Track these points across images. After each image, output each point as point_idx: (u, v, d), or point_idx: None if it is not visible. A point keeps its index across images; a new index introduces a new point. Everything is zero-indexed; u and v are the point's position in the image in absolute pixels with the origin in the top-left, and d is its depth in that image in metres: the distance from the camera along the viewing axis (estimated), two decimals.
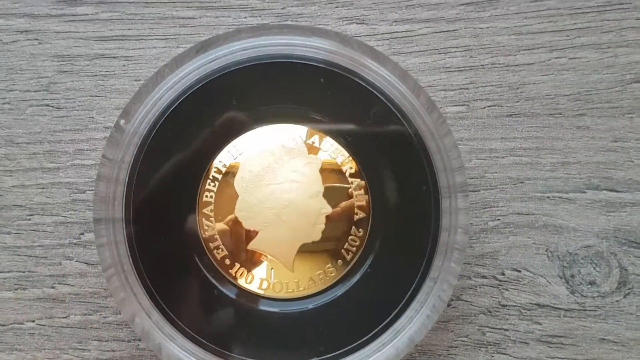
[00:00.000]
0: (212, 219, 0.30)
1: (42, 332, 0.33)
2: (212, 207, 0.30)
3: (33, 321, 0.33)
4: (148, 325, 0.29)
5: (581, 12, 0.34)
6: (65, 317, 0.33)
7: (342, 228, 0.30)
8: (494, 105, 0.34)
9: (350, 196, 0.30)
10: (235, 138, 0.30)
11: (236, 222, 0.30)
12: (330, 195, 0.30)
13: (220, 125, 0.30)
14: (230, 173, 0.30)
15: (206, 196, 0.30)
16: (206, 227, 0.30)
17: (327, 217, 0.30)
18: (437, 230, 0.29)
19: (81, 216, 0.33)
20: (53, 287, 0.33)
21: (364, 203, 0.30)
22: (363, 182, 0.30)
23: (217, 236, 0.30)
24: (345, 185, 0.30)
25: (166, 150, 0.30)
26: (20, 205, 0.33)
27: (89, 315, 0.33)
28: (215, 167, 0.30)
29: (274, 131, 0.30)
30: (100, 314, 0.33)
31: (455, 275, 0.29)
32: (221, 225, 0.30)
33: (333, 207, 0.30)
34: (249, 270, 0.30)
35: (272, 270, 0.30)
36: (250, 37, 0.30)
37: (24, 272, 0.33)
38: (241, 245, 0.30)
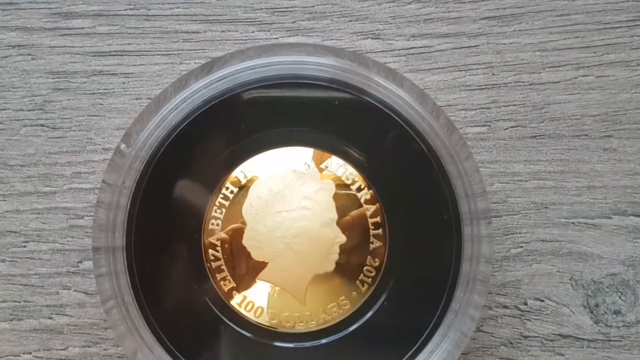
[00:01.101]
0: (218, 248, 0.28)
1: None
2: (218, 235, 0.29)
3: (30, 353, 0.32)
4: None
5: (610, 28, 0.33)
6: (64, 349, 0.32)
7: (357, 258, 0.29)
8: (517, 126, 0.33)
9: (365, 224, 0.29)
10: (244, 162, 0.29)
11: (244, 252, 0.28)
12: (345, 223, 0.29)
13: (227, 149, 0.29)
14: (238, 200, 0.29)
15: (212, 224, 0.29)
16: (212, 257, 0.28)
17: (341, 246, 0.28)
18: (459, 260, 0.28)
19: (79, 243, 0.32)
20: (50, 318, 0.32)
21: (379, 231, 0.29)
22: (379, 209, 0.29)
23: (224, 267, 0.29)
24: (361, 213, 0.29)
25: (170, 176, 0.29)
26: (15, 232, 0.32)
27: (89, 347, 0.32)
28: (222, 194, 0.29)
29: (285, 155, 0.29)
30: (100, 346, 0.32)
31: (478, 307, 0.28)
32: (228, 256, 0.28)
33: (347, 235, 0.28)
34: (257, 303, 0.28)
35: (283, 303, 0.29)
36: (259, 56, 0.29)
37: (19, 302, 0.32)
38: (250, 276, 0.29)
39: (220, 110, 0.29)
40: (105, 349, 0.31)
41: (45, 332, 0.32)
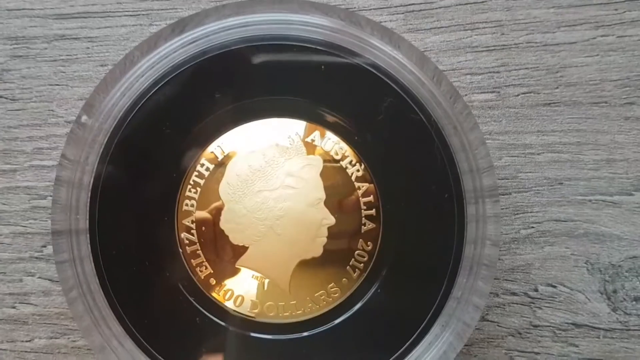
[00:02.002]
0: (193, 231, 0.27)
1: (4, 357, 0.30)
2: (193, 217, 0.27)
3: None
4: (120, 356, 0.26)
5: None
6: (29, 341, 0.30)
7: (348, 241, 0.27)
8: (529, 93, 0.31)
9: (357, 204, 0.27)
10: (220, 136, 0.27)
11: (222, 236, 0.27)
12: (333, 203, 0.27)
13: (201, 121, 0.27)
14: (214, 178, 0.27)
15: (186, 205, 0.27)
16: (187, 242, 0.27)
17: (330, 229, 0.27)
18: (461, 243, 0.27)
19: (42, 226, 0.30)
20: (14, 307, 0.30)
21: (373, 212, 0.27)
22: (372, 187, 0.27)
23: (200, 252, 0.27)
24: (352, 191, 0.27)
25: (137, 150, 0.27)
26: None
27: (56, 338, 0.30)
28: (197, 171, 0.27)
29: (266, 127, 0.27)
30: (68, 338, 0.30)
31: (482, 295, 0.26)
32: (205, 239, 0.27)
33: (337, 217, 0.27)
34: (237, 292, 0.27)
35: (266, 291, 0.27)
36: (237, 14, 0.27)
37: None
38: (228, 262, 0.27)
39: (193, 76, 0.27)
40: (73, 341, 0.30)
41: (9, 323, 0.30)
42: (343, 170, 0.27)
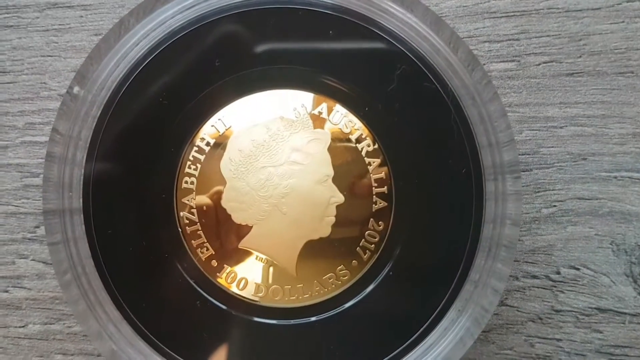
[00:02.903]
0: (194, 210, 0.26)
1: None
2: (193, 195, 0.26)
3: None
4: (117, 342, 0.25)
5: None
6: (23, 327, 0.29)
7: (358, 221, 0.26)
8: (551, 62, 0.30)
9: (368, 181, 0.26)
10: (221, 109, 0.26)
11: (225, 215, 0.26)
12: (343, 180, 0.26)
13: (200, 92, 0.26)
14: (215, 153, 0.26)
15: (186, 182, 0.26)
16: (187, 221, 0.26)
17: (339, 207, 0.26)
18: (480, 222, 0.26)
19: (36, 205, 0.30)
20: (6, 291, 0.30)
21: (384, 189, 0.26)
22: (384, 163, 0.26)
23: (200, 232, 0.26)
24: (362, 167, 0.26)
25: (133, 124, 0.26)
26: None
27: (50, 324, 0.29)
28: (197, 146, 0.26)
29: (271, 99, 0.26)
30: (64, 323, 0.29)
31: (502, 278, 0.25)
32: (206, 219, 0.26)
33: (346, 195, 0.26)
34: (241, 274, 0.26)
35: (270, 273, 0.26)
36: None
37: None
38: (231, 243, 0.26)
39: (192, 43, 0.26)
40: (69, 327, 0.29)
41: (2, 308, 0.29)
42: (352, 145, 0.26)
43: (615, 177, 0.29)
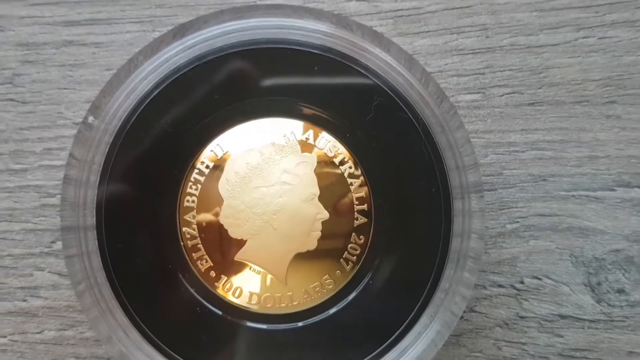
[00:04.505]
0: (194, 226, 0.27)
1: (15, 348, 0.31)
2: (194, 213, 0.27)
3: (5, 337, 0.31)
4: (126, 345, 0.27)
5: None
6: (39, 333, 0.31)
7: (341, 235, 0.27)
8: (514, 93, 0.31)
9: (350, 199, 0.27)
10: (219, 135, 0.28)
11: (222, 230, 0.27)
12: (327, 198, 0.27)
13: (201, 121, 0.27)
14: (214, 175, 0.27)
15: (187, 201, 0.27)
16: (188, 236, 0.27)
17: (324, 223, 0.27)
18: (448, 236, 0.27)
19: (52, 222, 0.31)
20: (25, 300, 0.31)
21: (365, 207, 0.27)
22: (364, 183, 0.27)
23: (200, 246, 0.27)
24: (345, 187, 0.27)
25: (141, 150, 0.27)
26: None
27: (64, 330, 0.31)
28: (197, 169, 0.27)
29: (263, 127, 0.28)
30: (77, 329, 0.31)
31: (469, 286, 0.27)
32: (205, 234, 0.27)
33: (330, 212, 0.27)
34: (237, 284, 0.27)
35: (263, 283, 0.27)
36: (234, 19, 0.27)
37: None
38: (228, 255, 0.27)
39: (193, 78, 0.27)
40: (81, 332, 0.31)
41: (20, 315, 0.31)
42: (336, 167, 0.27)
43: (573, 196, 0.31)
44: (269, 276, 0.27)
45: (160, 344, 0.27)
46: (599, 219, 0.31)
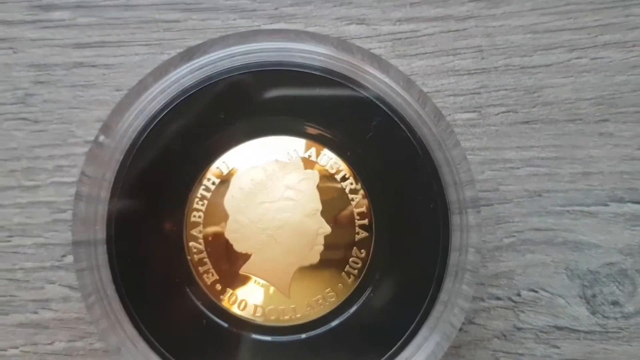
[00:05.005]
0: (201, 240, 0.28)
1: (26, 359, 0.31)
2: (200, 228, 0.28)
3: (16, 348, 0.31)
4: (134, 356, 0.27)
5: (604, 8, 0.32)
6: (50, 344, 0.31)
7: (343, 249, 0.28)
8: (509, 111, 0.32)
9: (351, 214, 0.28)
10: (225, 153, 0.28)
11: (227, 245, 0.28)
12: (329, 213, 0.28)
13: (208, 139, 0.28)
14: (219, 191, 0.28)
15: (194, 216, 0.28)
16: (195, 250, 0.28)
17: (326, 237, 0.28)
18: (447, 250, 0.28)
19: (63, 237, 0.32)
20: (36, 313, 0.31)
21: (365, 221, 0.28)
22: (365, 199, 0.28)
23: (206, 259, 0.28)
24: (346, 203, 0.28)
25: (150, 167, 0.28)
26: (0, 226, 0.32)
27: (74, 341, 0.31)
28: (204, 185, 0.28)
29: (267, 144, 0.28)
30: (86, 341, 0.31)
31: (467, 298, 0.27)
32: (211, 248, 0.28)
33: (332, 226, 0.28)
34: (241, 297, 0.28)
35: (267, 295, 0.28)
36: (239, 43, 0.28)
37: (5, 296, 0.31)
38: (233, 269, 0.28)
39: (200, 99, 0.28)
40: (90, 344, 0.31)
41: (31, 327, 0.31)
42: (337, 183, 0.28)
43: (568, 211, 0.31)
44: (273, 289, 0.28)
45: (168, 354, 0.27)
46: (593, 233, 0.31)
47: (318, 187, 0.28)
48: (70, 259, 0.31)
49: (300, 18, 0.32)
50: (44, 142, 0.32)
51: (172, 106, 0.28)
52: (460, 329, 0.31)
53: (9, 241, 0.32)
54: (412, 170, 0.28)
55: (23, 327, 0.31)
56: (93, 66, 0.32)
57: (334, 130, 0.28)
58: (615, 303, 0.31)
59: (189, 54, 0.28)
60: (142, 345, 0.27)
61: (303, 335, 0.28)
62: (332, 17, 0.32)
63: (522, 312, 0.31)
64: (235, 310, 0.28)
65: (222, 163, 0.28)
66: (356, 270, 0.28)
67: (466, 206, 0.28)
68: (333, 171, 0.28)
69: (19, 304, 0.31)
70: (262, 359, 0.28)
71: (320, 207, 0.28)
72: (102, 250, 0.27)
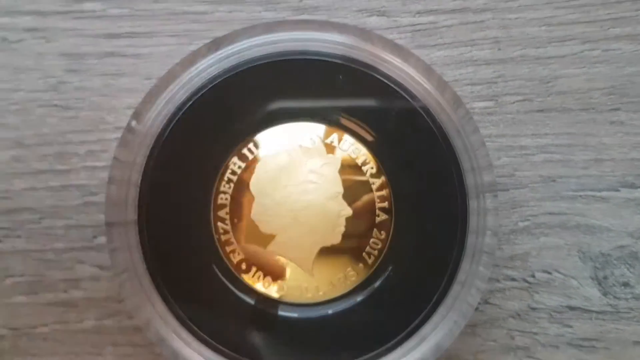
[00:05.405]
0: (227, 222, 0.29)
1: (56, 337, 0.32)
2: (227, 209, 0.29)
3: (46, 325, 0.32)
4: (164, 331, 0.28)
5: (615, 2, 0.33)
6: (79, 322, 0.32)
7: (363, 230, 0.29)
8: (524, 100, 0.33)
9: (371, 197, 0.29)
10: (250, 138, 0.29)
11: (253, 226, 0.29)
12: (351, 196, 0.29)
13: (233, 126, 0.29)
14: (245, 175, 0.29)
15: (221, 198, 0.29)
16: (222, 231, 0.29)
17: (347, 219, 0.29)
18: (464, 233, 0.28)
19: (93, 219, 0.33)
20: (66, 292, 0.32)
21: (386, 204, 0.29)
22: (385, 183, 0.29)
23: (233, 240, 0.29)
24: (366, 187, 0.29)
25: (179, 152, 0.29)
26: (31, 209, 0.33)
27: (103, 319, 0.32)
28: (230, 169, 0.29)
29: (291, 130, 0.29)
30: (115, 319, 0.32)
31: (483, 279, 0.28)
32: (237, 229, 0.29)
33: (353, 208, 0.29)
34: (266, 275, 0.29)
35: (291, 274, 0.29)
36: (264, 33, 0.29)
37: (36, 276, 0.32)
38: (258, 249, 0.29)
39: (226, 87, 0.29)
40: (119, 321, 0.32)
41: (61, 306, 0.32)
42: (358, 168, 0.29)
43: (580, 196, 0.32)
44: (297, 268, 0.29)
45: (195, 328, 0.28)
46: (605, 217, 0.32)
47: (340, 171, 0.29)
48: (100, 240, 0.32)
49: (323, 10, 0.33)
50: (75, 128, 0.33)
51: (199, 94, 0.29)
52: (477, 309, 0.31)
53: (40, 223, 0.32)
54: (431, 155, 0.29)
55: (53, 306, 0.32)
56: (123, 56, 0.33)
57: (355, 117, 0.29)
58: (626, 284, 0.32)
59: (215, 45, 0.29)
60: (171, 320, 0.28)
61: (325, 312, 0.29)
62: (353, 9, 0.33)
63: (537, 292, 0.32)
64: (259, 287, 0.29)
65: (248, 148, 0.29)
66: (376, 251, 0.29)
67: (484, 190, 0.28)
68: (354, 156, 0.29)
69: (49, 284, 0.32)
70: (286, 334, 0.29)
71: (342, 190, 0.29)
72: (133, 230, 0.28)
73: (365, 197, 0.29)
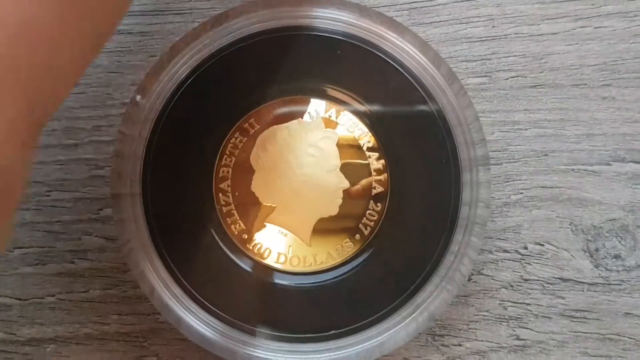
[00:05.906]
0: (228, 194, 0.30)
1: (62, 306, 0.33)
2: (228, 182, 0.30)
3: (53, 295, 0.33)
4: (167, 298, 0.29)
5: None
6: (85, 292, 0.33)
7: (360, 202, 0.30)
8: (517, 76, 0.33)
9: (368, 170, 0.30)
10: (251, 112, 0.30)
11: (253, 197, 0.30)
12: (348, 169, 0.30)
13: (235, 100, 0.30)
14: (246, 148, 0.30)
15: (223, 171, 0.30)
16: (223, 202, 0.30)
17: (345, 191, 0.30)
18: (458, 204, 0.29)
19: (100, 192, 0.33)
20: (72, 262, 0.33)
21: (382, 177, 0.30)
22: (381, 156, 0.30)
23: (234, 211, 0.30)
24: (363, 160, 0.30)
25: (182, 126, 0.30)
26: (40, 182, 0.33)
27: (109, 289, 0.33)
28: (232, 142, 0.30)
29: (290, 105, 0.30)
30: (120, 288, 0.33)
31: (476, 249, 0.29)
32: (238, 200, 0.30)
33: (351, 181, 0.30)
34: (265, 245, 0.30)
35: (290, 244, 0.30)
36: (265, 9, 0.30)
37: (43, 247, 0.33)
38: (258, 220, 0.30)
39: (228, 62, 0.30)
40: (124, 291, 0.33)
41: (68, 276, 0.33)
42: (356, 141, 0.30)
43: (572, 170, 0.33)
44: (295, 238, 0.30)
45: (198, 296, 0.29)
46: (597, 190, 0.33)
47: (338, 145, 0.30)
48: (106, 212, 0.33)
49: None
50: (83, 104, 0.33)
51: (202, 69, 0.30)
52: (470, 280, 0.32)
53: (48, 195, 0.33)
54: (426, 129, 0.30)
55: (60, 277, 0.33)
56: (129, 33, 0.34)
57: (353, 91, 0.30)
58: (617, 257, 0.32)
59: (217, 21, 0.30)
60: (175, 288, 0.29)
61: (322, 281, 0.29)
62: None
63: (529, 264, 0.32)
64: (260, 257, 0.30)
65: (249, 122, 0.30)
66: (372, 222, 0.29)
67: (477, 163, 0.29)
68: (352, 130, 0.30)
69: (57, 255, 0.33)
70: (284, 302, 0.30)
71: (339, 163, 0.30)
72: (138, 202, 0.29)
73: (363, 170, 0.30)
